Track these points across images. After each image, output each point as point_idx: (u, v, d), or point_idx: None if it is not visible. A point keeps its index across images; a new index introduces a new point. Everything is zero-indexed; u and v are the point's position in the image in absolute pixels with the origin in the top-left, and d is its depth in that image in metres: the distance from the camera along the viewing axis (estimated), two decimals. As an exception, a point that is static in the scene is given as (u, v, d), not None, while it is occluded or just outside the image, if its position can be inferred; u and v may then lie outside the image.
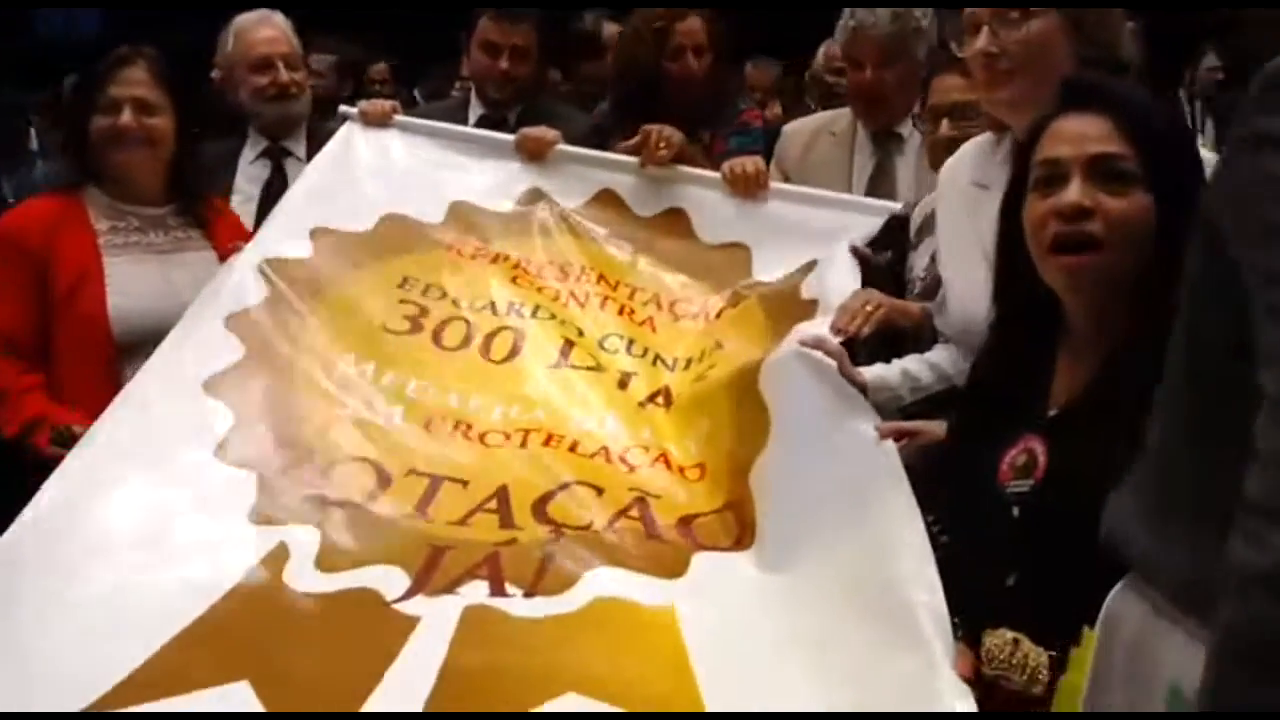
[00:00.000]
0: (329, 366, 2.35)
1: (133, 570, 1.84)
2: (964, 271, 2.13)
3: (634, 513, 2.07)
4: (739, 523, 2.06)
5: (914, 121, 2.97)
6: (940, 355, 2.22)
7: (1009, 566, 1.59)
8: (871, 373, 2.17)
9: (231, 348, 2.33)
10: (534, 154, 2.97)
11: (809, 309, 2.45)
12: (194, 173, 2.72)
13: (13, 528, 1.89)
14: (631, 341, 2.56)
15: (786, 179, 3.06)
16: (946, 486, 1.81)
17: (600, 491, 2.12)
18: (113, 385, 2.39)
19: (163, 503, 1.99)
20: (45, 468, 2.07)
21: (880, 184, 3.05)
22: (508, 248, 2.78)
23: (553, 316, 2.59)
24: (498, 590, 1.84)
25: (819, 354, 2.08)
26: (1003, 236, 1.73)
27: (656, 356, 2.53)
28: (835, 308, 2.31)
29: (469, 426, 2.28)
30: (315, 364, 2.35)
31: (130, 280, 2.54)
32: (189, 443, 2.12)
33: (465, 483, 2.14)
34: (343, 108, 3.12)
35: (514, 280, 2.69)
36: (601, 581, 1.86)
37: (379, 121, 3.03)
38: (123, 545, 1.89)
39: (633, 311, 2.65)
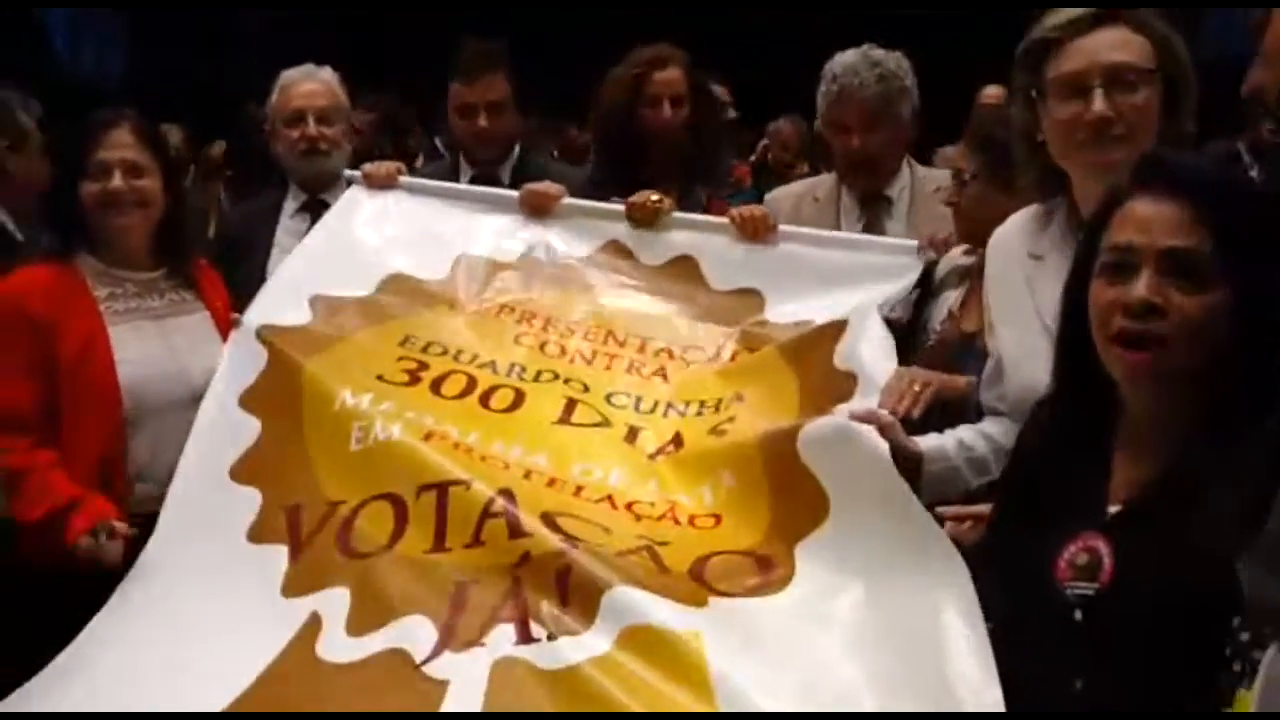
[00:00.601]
0: (329, 405, 2.37)
1: (180, 663, 1.95)
2: (1024, 344, 2.07)
3: (644, 553, 2.03)
4: (761, 571, 1.99)
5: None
6: (994, 427, 2.16)
7: (1075, 671, 1.52)
8: (927, 443, 2.13)
9: (249, 428, 2.40)
10: (538, 209, 3.00)
11: (847, 384, 2.39)
12: (182, 233, 2.72)
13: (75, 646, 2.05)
14: (640, 399, 2.53)
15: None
16: (989, 572, 1.74)
17: (609, 532, 2.07)
18: (121, 453, 2.45)
19: (203, 597, 2.10)
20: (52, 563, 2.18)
21: None
22: (513, 301, 2.78)
23: (556, 377, 2.56)
24: (523, 636, 1.86)
25: (872, 430, 2.02)
26: (1065, 316, 1.66)
27: (668, 406, 2.50)
28: (876, 385, 2.29)
29: (469, 449, 2.27)
30: (319, 411, 2.38)
31: (135, 347, 2.54)
32: (223, 535, 2.20)
33: (468, 484, 2.12)
34: (347, 171, 3.18)
35: (517, 340, 2.67)
36: (627, 603, 1.85)
37: (384, 183, 3.09)
38: (168, 644, 2.01)
39: (642, 365, 2.62)
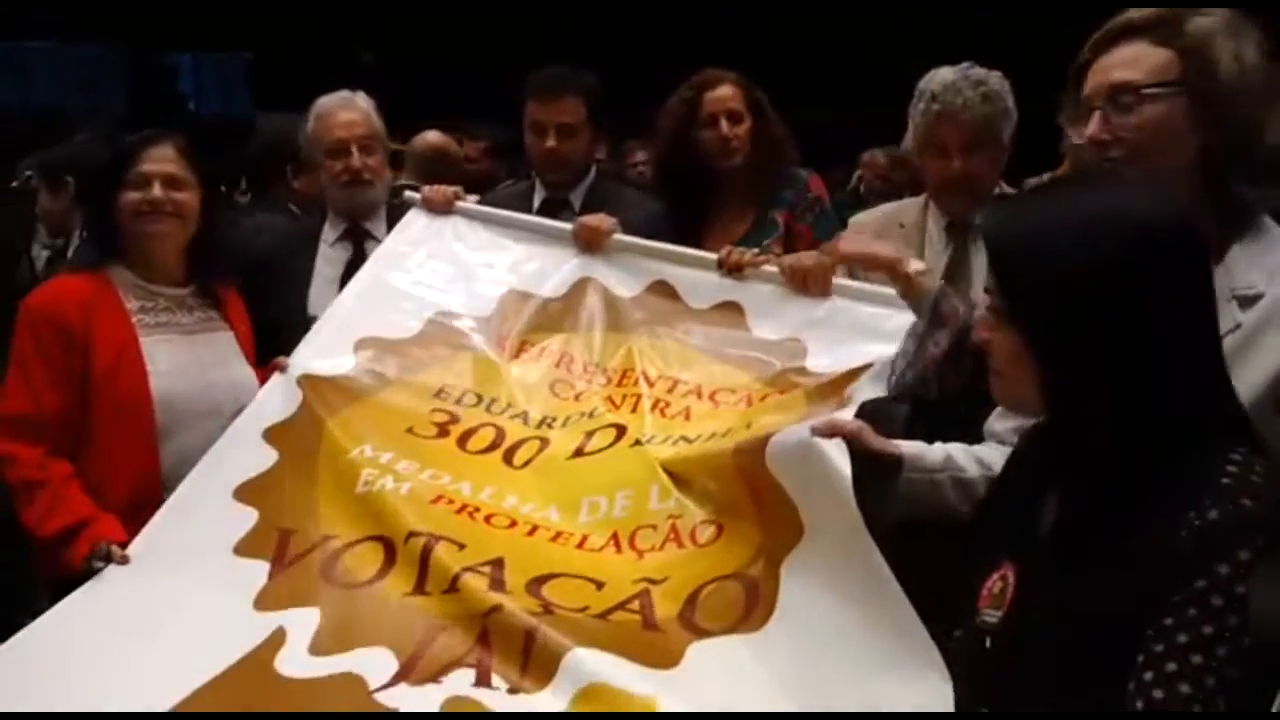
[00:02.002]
0: (347, 453, 2.43)
1: (138, 649, 2.03)
2: None
3: (634, 605, 2.05)
4: (749, 597, 2.01)
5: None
6: (991, 453, 2.02)
7: (984, 698, 1.57)
8: (911, 447, 2.03)
9: (266, 457, 2.46)
10: (590, 243, 2.96)
11: (846, 403, 2.34)
12: (214, 253, 2.76)
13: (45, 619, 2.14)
14: (654, 436, 2.51)
15: (851, 274, 2.84)
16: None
17: (601, 585, 2.11)
18: (154, 465, 2.51)
19: (175, 593, 2.17)
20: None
21: (956, 279, 2.80)
22: (553, 344, 2.79)
23: (584, 415, 2.58)
24: (483, 681, 1.90)
25: (833, 447, 1.93)
26: None
27: (680, 438, 2.48)
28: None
29: (476, 509, 2.31)
30: (337, 456, 2.43)
31: (166, 360, 2.59)
32: (212, 543, 2.27)
33: (462, 545, 2.17)
34: (407, 193, 3.18)
35: (552, 388, 2.68)
36: (589, 666, 1.88)
37: (441, 208, 3.09)
38: (132, 629, 2.09)
39: (667, 406, 2.60)
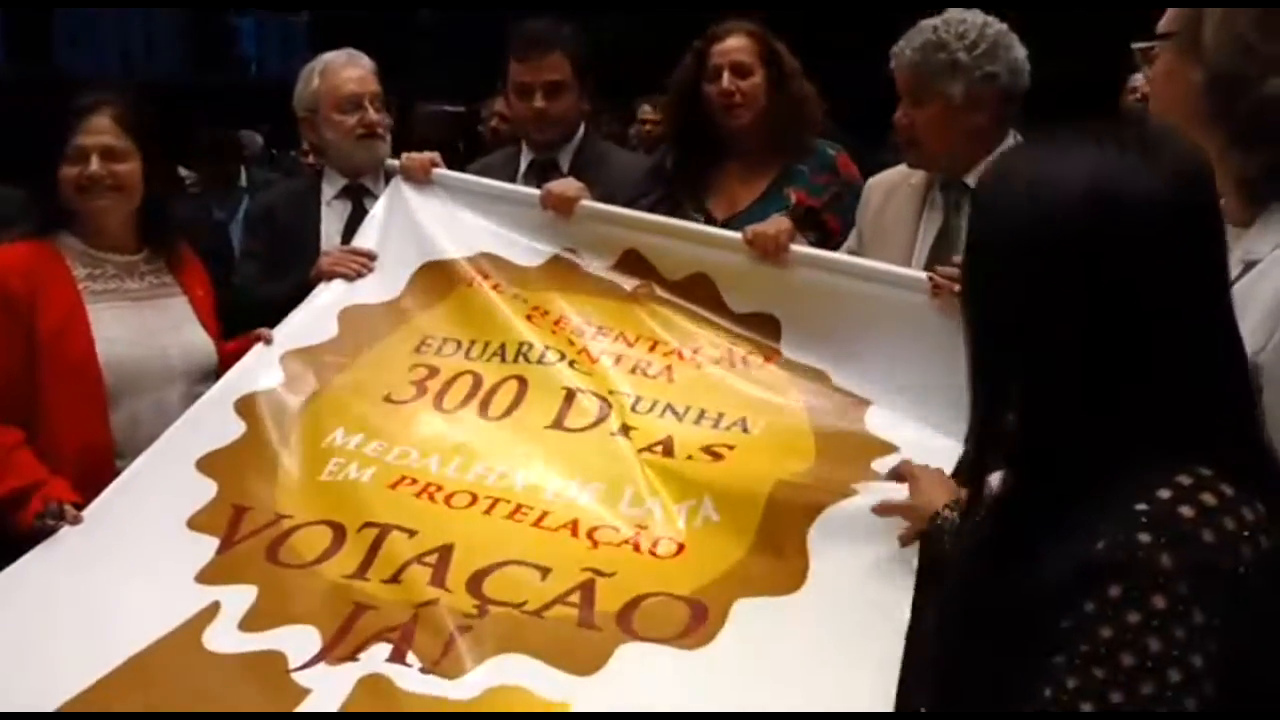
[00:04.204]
0: (320, 438, 2.46)
1: (75, 616, 2.07)
2: None
3: (574, 598, 2.06)
4: (694, 617, 2.01)
5: None
6: None
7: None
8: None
9: (233, 428, 2.48)
10: (560, 210, 2.90)
11: (884, 450, 2.30)
12: (165, 218, 2.72)
13: None
14: (639, 398, 2.51)
15: (861, 236, 2.84)
16: None
17: (546, 573, 2.11)
18: (104, 431, 2.50)
19: (122, 562, 2.20)
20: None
21: (941, 247, 2.68)
22: (528, 294, 2.80)
23: (562, 357, 2.60)
24: (398, 657, 1.91)
25: (892, 531, 1.97)
26: None
27: (666, 407, 2.48)
28: (915, 462, 2.10)
29: (439, 488, 2.33)
30: (305, 439, 2.46)
31: (113, 326, 2.57)
32: (167, 513, 2.30)
33: (413, 532, 2.19)
34: (388, 161, 3.14)
35: (529, 318, 2.72)
36: (507, 666, 1.90)
37: (420, 177, 3.06)
38: (77, 596, 2.12)
39: (649, 366, 2.60)
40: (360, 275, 2.92)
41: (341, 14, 10.59)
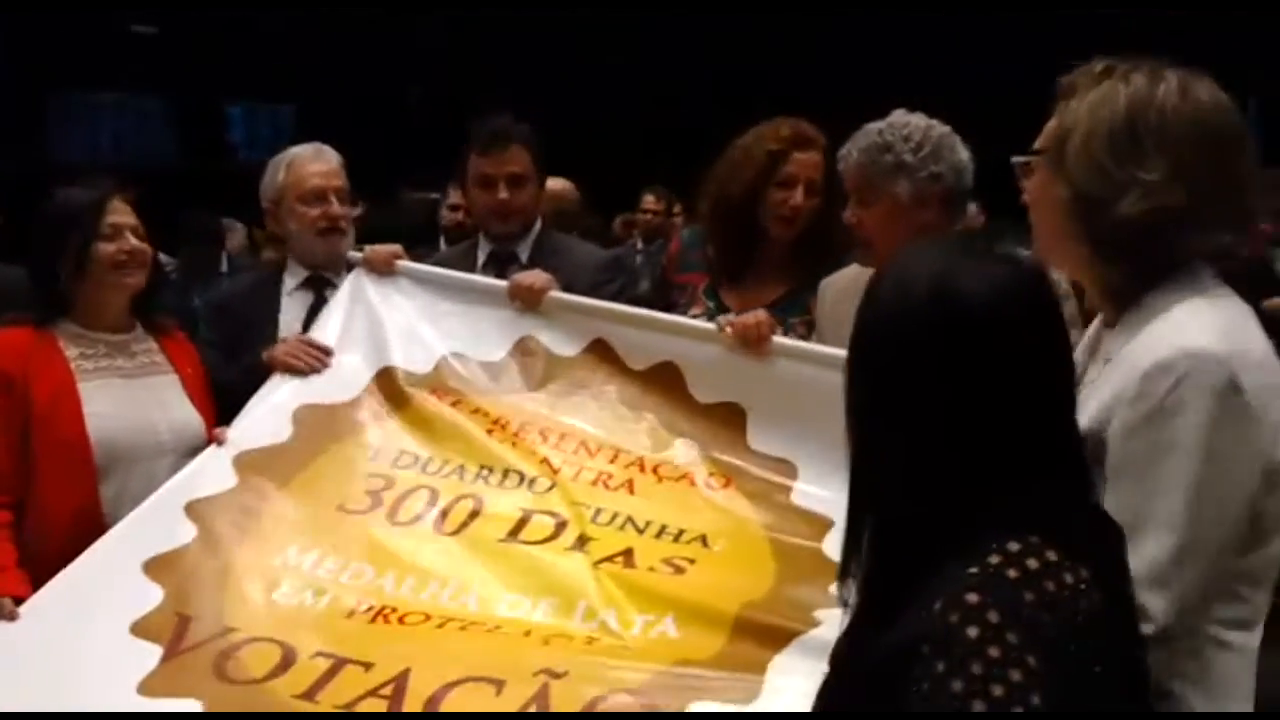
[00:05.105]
0: (270, 556, 2.44)
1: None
2: None
3: (532, 707, 2.06)
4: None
5: None
6: None
7: None
8: None
9: (184, 532, 2.47)
10: (526, 302, 2.93)
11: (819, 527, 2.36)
12: (157, 298, 2.83)
13: None
14: (599, 510, 2.51)
15: (821, 335, 2.86)
16: None
17: (501, 686, 2.10)
18: (94, 506, 2.57)
19: (57, 665, 2.17)
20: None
21: None
22: (491, 405, 2.78)
23: (521, 482, 2.59)
24: None
25: None
26: None
27: (627, 520, 2.48)
28: None
29: (393, 610, 2.32)
30: (258, 553, 2.45)
31: (104, 402, 2.65)
32: (110, 617, 2.27)
33: (369, 665, 2.16)
34: (350, 253, 3.17)
35: (489, 433, 2.70)
36: None
37: (383, 269, 3.07)
38: (16, 693, 2.10)
39: (610, 477, 2.60)
40: (314, 371, 2.90)
41: (330, 105, 10.77)
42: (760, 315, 2.75)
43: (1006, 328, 1.34)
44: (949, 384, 1.32)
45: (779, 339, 2.74)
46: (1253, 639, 1.64)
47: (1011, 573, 1.25)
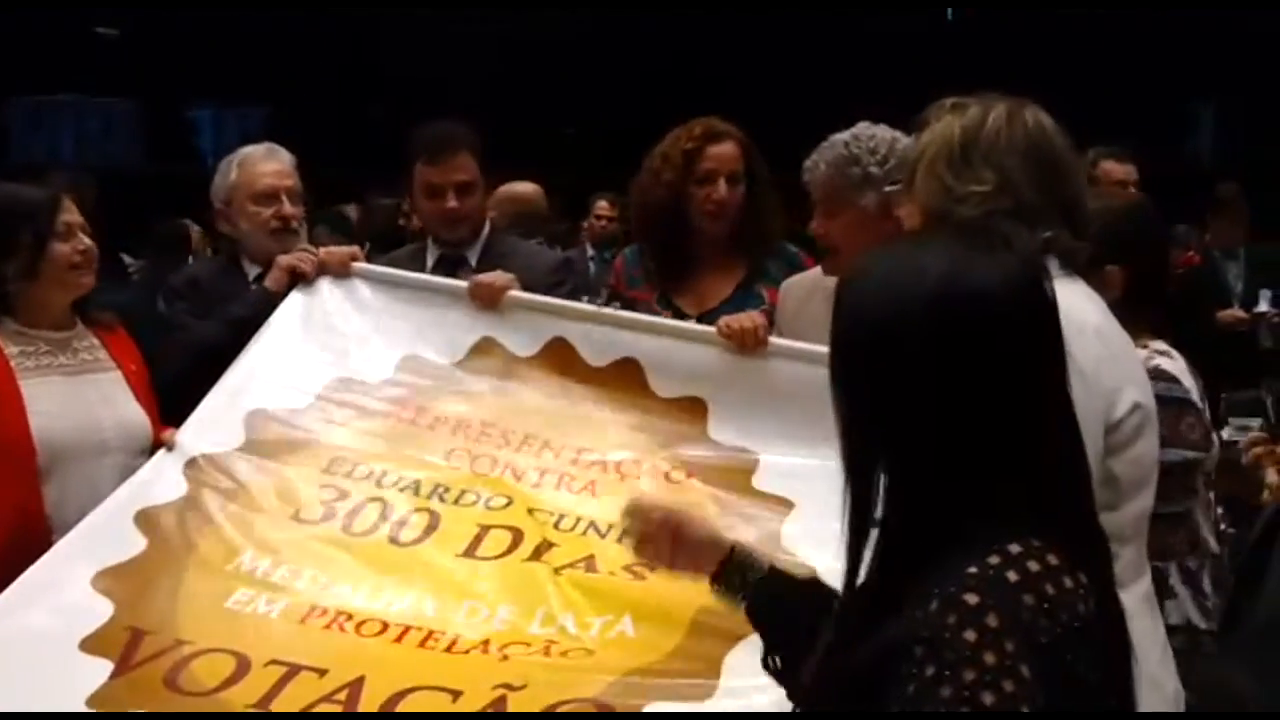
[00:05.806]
0: (222, 564, 2.41)
1: None
2: None
3: (489, 711, 2.08)
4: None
5: None
6: None
7: None
8: None
9: (133, 543, 2.43)
10: (486, 302, 2.92)
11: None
12: (97, 295, 2.78)
13: None
14: (562, 516, 2.52)
15: (780, 336, 2.85)
16: None
17: (457, 696, 2.11)
18: (36, 504, 2.51)
19: (9, 683, 2.13)
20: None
21: None
22: (451, 409, 2.77)
23: (477, 500, 2.57)
24: None
25: None
26: None
27: (590, 525, 2.48)
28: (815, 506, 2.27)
29: (349, 617, 2.31)
30: (210, 562, 2.42)
31: (46, 400, 2.59)
32: (58, 633, 2.23)
33: (323, 671, 2.16)
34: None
35: (448, 456, 2.67)
36: None
37: (339, 271, 3.03)
38: None
39: (573, 481, 2.60)
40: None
41: (299, 108, 10.73)
42: (755, 317, 2.79)
43: (1016, 324, 1.31)
44: (955, 385, 1.28)
45: (776, 340, 2.75)
46: (1130, 598, 1.63)
47: (1012, 575, 1.22)
